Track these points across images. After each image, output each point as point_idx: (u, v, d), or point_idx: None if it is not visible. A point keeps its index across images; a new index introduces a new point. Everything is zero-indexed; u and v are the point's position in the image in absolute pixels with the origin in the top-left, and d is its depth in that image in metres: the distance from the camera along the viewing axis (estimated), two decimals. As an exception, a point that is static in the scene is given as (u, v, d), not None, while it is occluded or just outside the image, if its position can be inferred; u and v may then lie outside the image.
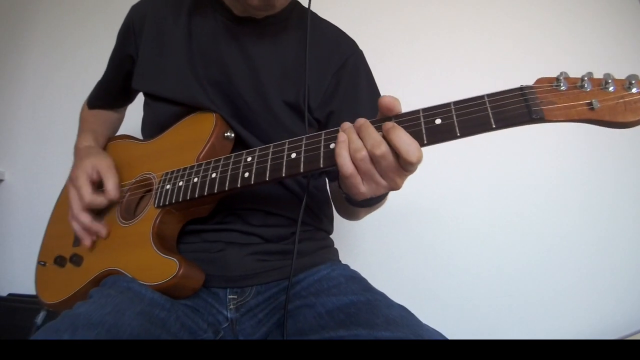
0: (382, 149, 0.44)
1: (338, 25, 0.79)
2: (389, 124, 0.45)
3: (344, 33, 0.78)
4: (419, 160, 0.44)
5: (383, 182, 0.47)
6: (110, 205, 0.69)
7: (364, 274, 0.68)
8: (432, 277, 1.17)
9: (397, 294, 0.58)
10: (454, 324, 1.11)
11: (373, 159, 0.45)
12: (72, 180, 0.69)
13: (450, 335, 0.50)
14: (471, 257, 1.17)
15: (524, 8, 1.29)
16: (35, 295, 0.72)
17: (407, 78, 1.25)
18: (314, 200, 0.72)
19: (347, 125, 0.48)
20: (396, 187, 0.48)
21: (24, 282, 1.26)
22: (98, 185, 0.68)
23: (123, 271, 0.60)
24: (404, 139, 0.44)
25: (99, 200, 0.66)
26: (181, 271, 0.56)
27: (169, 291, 0.57)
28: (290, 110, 0.69)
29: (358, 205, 0.61)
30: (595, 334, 1.09)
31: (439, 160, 1.21)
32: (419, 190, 1.20)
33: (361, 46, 0.78)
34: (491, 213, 1.19)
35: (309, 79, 0.68)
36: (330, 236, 0.79)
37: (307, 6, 0.72)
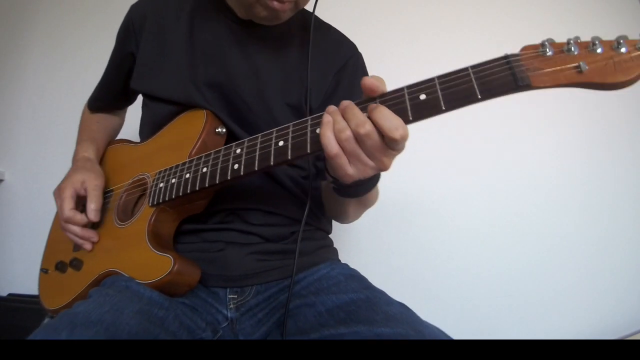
0: (367, 127, 0.44)
1: (338, 25, 0.79)
2: (373, 105, 0.45)
3: (345, 36, 0.79)
4: (404, 138, 0.44)
5: (370, 162, 0.46)
6: (109, 206, 0.70)
7: (364, 273, 0.68)
8: (431, 277, 1.17)
9: (396, 294, 0.58)
10: (453, 324, 1.11)
11: (358, 138, 0.45)
12: (59, 190, 0.70)
13: (450, 335, 0.50)
14: (471, 257, 1.17)
15: (524, 8, 1.29)
16: (36, 295, 0.73)
17: (407, 78, 1.24)
18: (313, 200, 0.72)
19: (332, 108, 0.48)
20: (384, 168, 0.47)
21: (24, 282, 1.26)
22: (83, 201, 0.69)
23: (120, 271, 0.61)
24: (387, 117, 0.43)
25: (78, 218, 0.66)
26: (176, 267, 0.56)
27: (165, 288, 0.57)
28: (291, 112, 0.69)
29: (346, 195, 0.60)
30: (595, 334, 1.09)
31: (438, 160, 1.21)
32: (419, 190, 1.20)
33: (361, 46, 0.79)
34: (491, 213, 1.19)
35: (311, 80, 0.68)
36: (330, 236, 0.79)
37: (311, 10, 0.72)
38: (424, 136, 1.19)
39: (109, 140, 0.86)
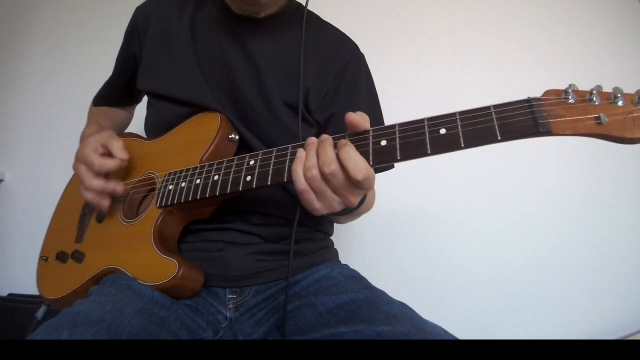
0: (332, 167, 0.45)
1: (338, 25, 0.79)
2: (342, 141, 0.47)
3: (347, 36, 0.77)
4: (366, 179, 0.45)
5: (336, 198, 0.48)
6: (115, 202, 0.69)
7: (364, 274, 0.68)
8: (432, 277, 1.17)
9: (397, 294, 0.58)
10: (453, 324, 1.10)
11: (324, 176, 0.46)
12: (78, 157, 0.68)
13: (452, 334, 0.50)
14: (471, 257, 1.17)
15: (525, 9, 1.29)
16: (36, 295, 0.73)
17: (408, 78, 1.24)
18: None
19: (311, 140, 0.49)
20: (349, 204, 0.48)
21: (24, 282, 1.26)
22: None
23: (123, 269, 0.60)
24: (352, 157, 0.45)
25: (110, 163, 0.65)
26: (180, 272, 0.56)
27: (167, 291, 0.57)
28: (291, 111, 0.69)
29: (327, 215, 0.60)
30: (595, 334, 1.09)
31: (438, 161, 1.21)
32: (419, 191, 1.20)
33: (362, 46, 0.77)
34: (491, 213, 1.19)
35: (310, 81, 0.68)
36: (331, 237, 0.79)
37: (304, 6, 0.72)
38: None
39: (115, 126, 0.85)
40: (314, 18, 0.76)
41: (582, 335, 1.09)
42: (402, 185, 1.16)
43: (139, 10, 0.77)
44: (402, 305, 0.56)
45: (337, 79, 0.72)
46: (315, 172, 0.46)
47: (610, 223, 1.15)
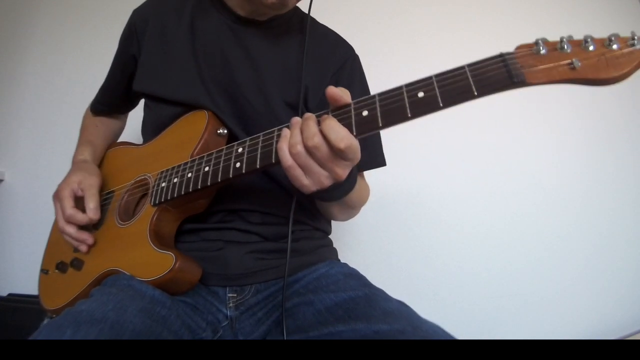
0: (315, 140, 0.46)
1: (338, 25, 0.81)
2: (324, 116, 0.48)
3: (342, 38, 0.81)
4: (350, 148, 0.45)
5: (323, 172, 0.48)
6: (110, 207, 0.70)
7: (364, 272, 0.68)
8: (431, 277, 1.17)
9: (396, 293, 0.59)
10: (453, 324, 1.11)
11: (308, 150, 0.47)
12: (57, 192, 0.70)
13: (449, 333, 0.50)
14: (471, 256, 1.17)
15: (523, 8, 1.29)
16: (36, 295, 0.73)
17: (408, 78, 1.24)
18: (310, 201, 0.72)
19: (295, 119, 0.50)
20: (338, 177, 0.49)
21: (24, 282, 1.26)
22: (82, 201, 0.69)
23: (122, 269, 0.61)
24: (333, 128, 0.46)
25: (79, 216, 0.66)
26: (177, 264, 0.56)
27: (166, 286, 0.57)
28: (291, 111, 0.70)
29: (320, 199, 0.61)
30: (595, 334, 1.09)
31: (438, 160, 1.21)
32: (419, 190, 1.20)
33: (361, 46, 0.79)
34: (491, 213, 1.19)
35: (309, 81, 0.69)
36: (330, 235, 0.79)
37: (307, 12, 0.74)
38: (424, 136, 1.19)
39: (108, 143, 0.86)
40: (313, 21, 0.79)
41: (582, 335, 1.09)
42: (401, 184, 1.16)
43: (136, 13, 0.77)
44: (400, 303, 0.56)
45: (334, 77, 0.74)
46: (299, 147, 0.47)
47: (610, 223, 1.15)
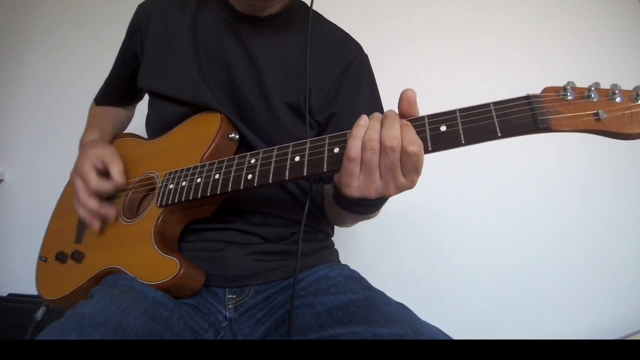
0: (395, 143, 0.44)
1: (339, 25, 0.79)
2: (404, 121, 0.46)
3: (350, 36, 0.77)
4: (415, 154, 0.44)
5: (378, 181, 0.46)
6: (114, 199, 0.69)
7: (364, 274, 0.68)
8: (432, 278, 1.17)
9: (397, 295, 0.58)
10: (453, 324, 1.11)
11: (383, 150, 0.45)
12: (76, 169, 0.69)
13: (451, 335, 0.50)
14: (471, 257, 1.17)
15: (524, 8, 1.29)
16: (36, 295, 0.72)
17: (408, 78, 1.24)
18: (314, 203, 0.72)
19: (376, 114, 0.48)
20: (387, 193, 0.47)
21: (24, 282, 1.26)
22: (103, 174, 0.68)
23: (124, 269, 0.60)
24: (410, 130, 0.44)
25: (105, 186, 0.65)
26: (182, 271, 0.56)
27: (168, 291, 0.57)
28: (291, 112, 0.69)
29: (343, 207, 0.59)
30: (595, 334, 1.09)
31: (438, 161, 1.21)
32: (419, 191, 1.20)
33: (362, 46, 0.77)
34: (491, 213, 1.19)
35: (312, 81, 0.68)
36: (331, 238, 0.79)
37: (309, 5, 0.72)
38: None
39: (115, 129, 0.86)
40: (318, 18, 0.76)
41: (582, 335, 1.09)
42: (402, 185, 1.16)
43: (140, 9, 0.77)
44: (401, 306, 0.55)
45: (338, 79, 0.72)
46: (376, 144, 0.44)
47: (610, 223, 1.15)
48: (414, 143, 0.43)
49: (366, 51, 0.77)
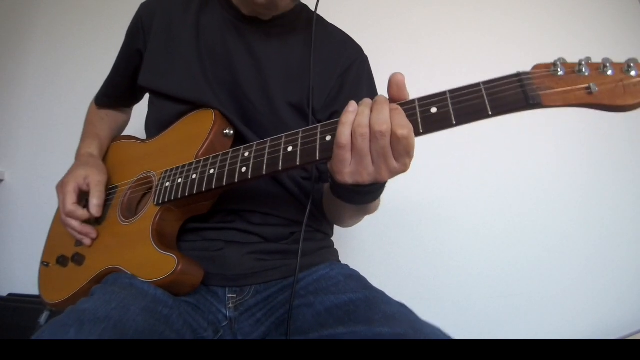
0: (384, 127, 0.44)
1: (339, 26, 0.79)
2: (394, 105, 0.45)
3: (351, 38, 0.78)
4: (405, 138, 0.43)
5: (370, 166, 0.46)
6: (113, 202, 0.70)
7: (364, 274, 0.68)
8: (432, 277, 1.17)
9: (397, 294, 0.58)
10: (453, 324, 1.11)
11: (372, 135, 0.44)
12: (62, 185, 0.70)
13: (451, 335, 0.50)
14: (471, 256, 1.17)
15: (524, 8, 1.29)
16: (36, 295, 0.73)
17: (408, 78, 1.24)
18: (313, 202, 0.72)
19: (366, 100, 0.48)
20: (380, 178, 0.47)
21: (24, 282, 1.26)
22: (85, 196, 0.69)
23: (123, 268, 0.61)
24: (400, 113, 0.44)
25: (80, 213, 0.67)
26: (179, 267, 0.56)
27: (168, 287, 0.57)
28: (294, 112, 0.69)
29: (340, 197, 0.58)
30: (595, 334, 1.09)
31: (438, 160, 1.21)
32: (419, 190, 1.20)
33: (362, 46, 0.78)
34: (491, 213, 1.19)
35: (314, 81, 0.69)
36: (331, 238, 0.79)
37: (314, 10, 0.73)
38: (424, 136, 1.19)
39: (113, 136, 0.86)
40: (320, 20, 0.77)
41: (582, 335, 1.09)
42: (401, 185, 1.16)
43: (143, 7, 0.77)
44: (401, 306, 0.55)
45: (340, 79, 0.72)
46: (366, 130, 0.44)
47: (610, 223, 1.15)
48: (404, 127, 0.43)
49: (366, 51, 0.78)
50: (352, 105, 0.47)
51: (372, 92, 0.77)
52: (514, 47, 1.24)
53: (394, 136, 0.44)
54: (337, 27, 0.79)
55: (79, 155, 0.78)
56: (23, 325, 1.05)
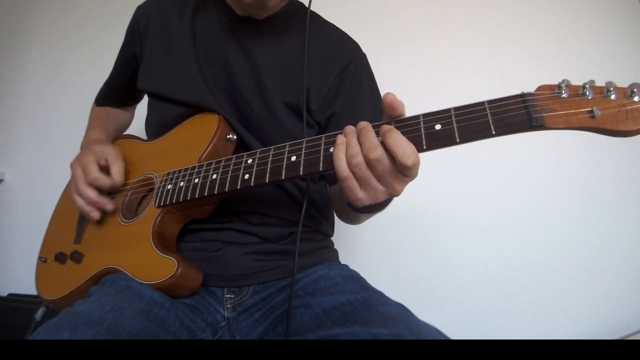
0: (377, 152, 0.44)
1: (338, 25, 0.78)
2: (386, 127, 0.45)
3: (348, 36, 0.77)
4: (415, 164, 0.43)
5: (380, 187, 0.46)
6: (113, 199, 0.70)
7: (364, 274, 0.68)
8: (432, 277, 1.17)
9: (397, 294, 0.58)
10: (453, 324, 1.11)
11: (369, 163, 0.45)
12: (79, 159, 0.69)
13: (450, 335, 0.50)
14: (471, 256, 1.17)
15: (523, 8, 1.29)
16: (36, 295, 0.73)
17: (408, 78, 1.24)
18: (312, 203, 0.72)
19: (349, 128, 0.48)
20: (395, 193, 0.47)
21: (24, 282, 1.26)
22: (104, 172, 0.69)
23: (122, 269, 0.61)
24: (399, 142, 0.43)
25: (104, 180, 0.66)
26: (179, 271, 0.56)
27: (166, 290, 0.57)
28: (291, 112, 0.69)
29: (359, 211, 0.59)
30: (595, 334, 1.09)
31: (439, 160, 1.21)
32: (419, 190, 1.20)
33: (361, 46, 0.77)
34: (491, 213, 1.19)
35: (311, 81, 0.68)
36: (331, 238, 0.79)
37: (307, 6, 0.72)
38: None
39: (117, 130, 0.86)
40: (316, 18, 0.76)
41: (582, 335, 1.09)
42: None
43: (139, 10, 0.77)
44: (399, 306, 0.55)
45: (338, 78, 0.72)
46: (360, 159, 0.44)
47: (610, 223, 1.15)
48: (405, 154, 0.43)
49: (365, 51, 0.77)
50: (340, 138, 0.48)
51: (374, 91, 0.76)
52: (514, 47, 1.24)
53: (391, 158, 0.44)
54: (334, 25, 0.78)
55: (87, 141, 0.77)
56: (23, 325, 1.05)
